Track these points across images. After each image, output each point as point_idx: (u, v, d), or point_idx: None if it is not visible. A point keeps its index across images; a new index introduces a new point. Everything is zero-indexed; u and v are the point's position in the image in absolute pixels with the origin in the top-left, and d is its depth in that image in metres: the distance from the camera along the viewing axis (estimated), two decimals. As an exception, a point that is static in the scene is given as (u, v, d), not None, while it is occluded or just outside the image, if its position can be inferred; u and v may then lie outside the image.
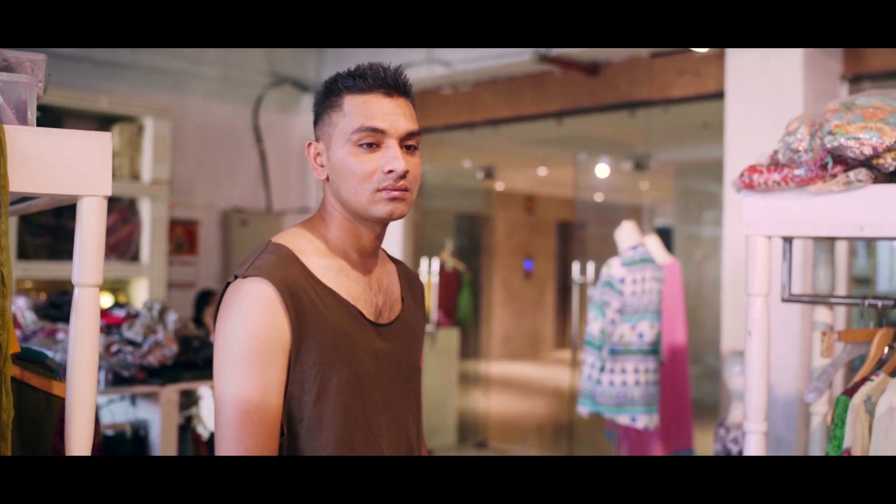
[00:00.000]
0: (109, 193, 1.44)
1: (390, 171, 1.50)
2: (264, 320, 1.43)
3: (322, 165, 1.58)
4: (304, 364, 1.47)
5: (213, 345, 1.47)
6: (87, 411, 1.41)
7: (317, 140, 1.61)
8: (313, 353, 1.48)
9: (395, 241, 6.56)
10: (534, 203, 12.38)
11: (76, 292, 1.42)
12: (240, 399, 1.40)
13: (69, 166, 1.39)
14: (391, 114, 1.53)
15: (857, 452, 1.90)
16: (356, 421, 1.53)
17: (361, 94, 1.53)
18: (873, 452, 1.88)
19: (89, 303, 1.42)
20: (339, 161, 1.53)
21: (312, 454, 1.49)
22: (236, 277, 1.48)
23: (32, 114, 1.44)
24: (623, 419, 4.27)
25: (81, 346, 1.41)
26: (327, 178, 1.58)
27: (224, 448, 1.42)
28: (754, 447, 2.14)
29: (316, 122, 1.62)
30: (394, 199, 1.52)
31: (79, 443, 1.40)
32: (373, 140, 1.51)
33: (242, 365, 1.41)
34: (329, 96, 1.58)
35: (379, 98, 1.53)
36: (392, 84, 1.55)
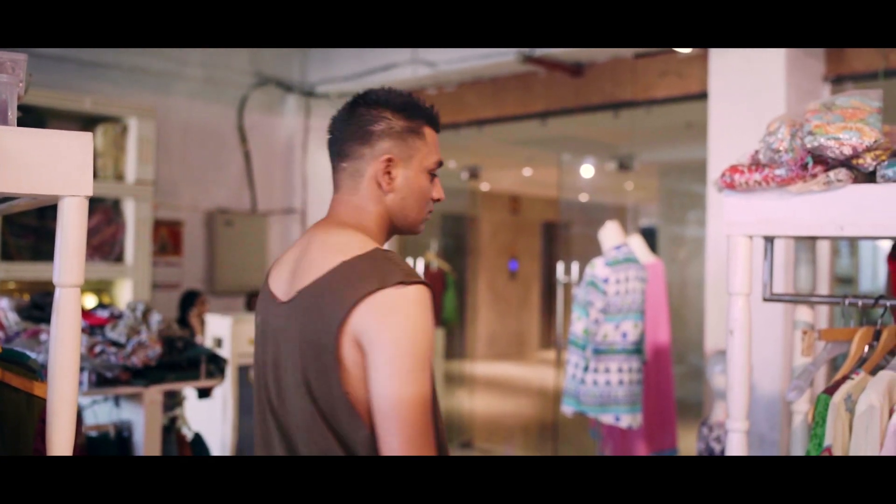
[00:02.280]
0: (90, 193, 1.43)
1: (437, 199, 1.76)
2: (431, 322, 1.57)
3: (392, 180, 1.68)
4: None
5: (381, 350, 1.51)
6: (67, 412, 1.40)
7: (389, 155, 1.67)
8: None
9: (380, 241, 6.55)
10: (518, 203, 12.40)
11: (57, 292, 1.42)
12: (427, 397, 1.52)
13: (50, 166, 1.39)
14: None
15: (837, 450, 1.91)
16: None
17: (434, 129, 1.74)
18: (853, 450, 1.89)
19: (70, 303, 1.42)
20: (418, 184, 1.71)
21: None
22: (400, 283, 1.53)
23: (13, 113, 1.43)
24: (607, 418, 4.28)
25: (62, 346, 1.41)
26: (388, 192, 1.70)
27: (415, 445, 1.47)
28: (736, 446, 2.15)
29: (385, 137, 1.67)
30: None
31: (60, 444, 1.39)
32: (436, 174, 1.75)
33: (426, 364, 1.53)
34: (407, 119, 1.69)
35: (437, 137, 1.76)
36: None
